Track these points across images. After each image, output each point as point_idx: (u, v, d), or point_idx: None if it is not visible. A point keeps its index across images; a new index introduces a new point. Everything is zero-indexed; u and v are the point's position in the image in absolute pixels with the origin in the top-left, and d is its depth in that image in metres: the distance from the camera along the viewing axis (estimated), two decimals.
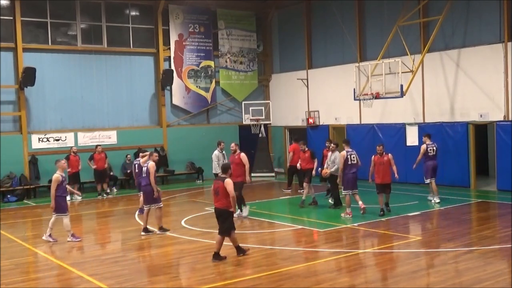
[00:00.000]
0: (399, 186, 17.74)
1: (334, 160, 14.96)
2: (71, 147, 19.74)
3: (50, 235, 12.49)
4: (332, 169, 14.95)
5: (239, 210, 14.34)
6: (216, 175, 16.26)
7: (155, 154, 13.54)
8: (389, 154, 14.31)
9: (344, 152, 14.32)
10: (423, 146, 16.19)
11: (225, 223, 10.35)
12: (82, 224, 14.88)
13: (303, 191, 16.24)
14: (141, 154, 16.20)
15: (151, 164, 12.95)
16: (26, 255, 11.58)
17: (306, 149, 16.52)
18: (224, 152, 16.40)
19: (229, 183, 10.20)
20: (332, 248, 11.08)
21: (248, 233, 12.89)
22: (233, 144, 14.88)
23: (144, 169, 13.12)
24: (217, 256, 10.23)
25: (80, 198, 18.86)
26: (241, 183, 14.10)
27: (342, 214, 14.29)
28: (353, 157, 14.35)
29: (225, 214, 10.35)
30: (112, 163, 20.96)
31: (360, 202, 14.20)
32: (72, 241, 12.36)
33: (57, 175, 12.30)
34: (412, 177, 18.83)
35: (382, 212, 14.06)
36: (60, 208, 12.37)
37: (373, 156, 14.41)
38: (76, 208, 17.88)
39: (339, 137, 22.77)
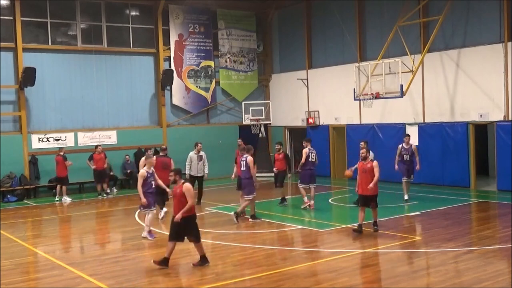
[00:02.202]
0: (399, 186, 17.72)
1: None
2: (60, 148, 19.70)
3: (149, 232, 12.40)
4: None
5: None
6: (191, 176, 16.54)
7: (252, 149, 14.25)
8: (375, 162, 12.21)
9: (306, 150, 15.34)
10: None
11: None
12: (82, 224, 14.88)
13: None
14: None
15: (250, 159, 13.79)
16: (26, 255, 11.58)
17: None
18: (202, 153, 16.62)
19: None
20: (332, 248, 11.08)
21: (248, 233, 12.88)
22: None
23: (243, 162, 13.88)
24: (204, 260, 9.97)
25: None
26: None
27: (302, 207, 15.26)
28: (313, 155, 15.41)
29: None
30: (112, 163, 20.96)
31: (310, 199, 15.23)
32: (147, 238, 12.23)
33: (142, 171, 12.19)
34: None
35: (359, 228, 12.13)
36: (146, 203, 12.18)
37: (358, 162, 12.70)
38: (77, 208, 17.89)
39: (339, 137, 22.83)
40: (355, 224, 12.40)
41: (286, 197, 16.73)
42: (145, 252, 11.50)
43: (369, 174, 12.05)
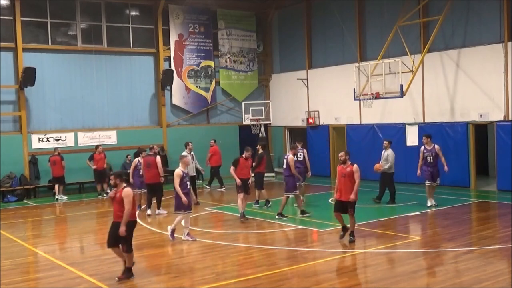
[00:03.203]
0: (399, 186, 17.71)
1: (387, 157, 15.64)
2: (55, 148, 19.74)
3: (188, 234, 12.01)
4: (385, 167, 15.60)
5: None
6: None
7: (296, 147, 14.89)
8: (354, 165, 11.21)
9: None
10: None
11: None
12: (82, 224, 14.88)
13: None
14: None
15: (290, 157, 14.34)
16: (26, 255, 11.58)
17: (249, 156, 14.74)
18: (193, 153, 16.67)
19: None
20: (332, 248, 11.07)
21: (248, 233, 12.88)
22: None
23: (285, 161, 14.44)
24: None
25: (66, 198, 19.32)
26: None
27: (295, 205, 15.39)
28: (300, 155, 15.92)
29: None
30: (112, 163, 20.95)
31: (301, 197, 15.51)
32: (189, 240, 11.87)
33: (178, 171, 11.79)
34: (412, 177, 18.82)
35: (343, 232, 11.46)
36: (178, 205, 11.82)
37: (338, 166, 11.73)
38: (77, 208, 17.89)
39: (339, 137, 22.83)
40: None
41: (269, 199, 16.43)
42: (145, 252, 11.50)
43: (348, 178, 11.16)
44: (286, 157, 14.55)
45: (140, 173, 15.96)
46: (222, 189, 20.08)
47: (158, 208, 15.53)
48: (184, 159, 12.20)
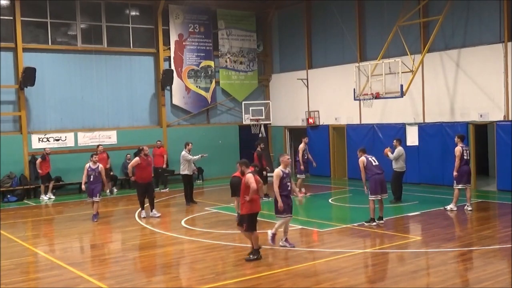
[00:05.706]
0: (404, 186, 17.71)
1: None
2: (44, 148, 19.81)
3: (286, 240, 11.09)
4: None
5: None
6: (186, 175, 16.92)
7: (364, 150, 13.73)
8: (247, 174, 10.18)
9: (302, 145, 18.04)
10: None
11: None
12: (82, 224, 14.88)
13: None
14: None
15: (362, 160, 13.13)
16: (26, 255, 11.58)
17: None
18: (191, 153, 16.82)
19: None
20: (332, 248, 11.08)
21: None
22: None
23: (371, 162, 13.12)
24: None
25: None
26: None
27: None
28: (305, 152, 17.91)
29: None
30: (112, 163, 20.94)
31: (302, 190, 17.38)
32: (286, 247, 10.97)
33: (278, 171, 10.64)
34: (411, 178, 18.83)
35: (254, 256, 10.21)
36: (278, 208, 10.77)
37: None
38: (77, 208, 17.89)
39: (339, 137, 22.83)
40: (353, 224, 12.29)
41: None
42: (145, 252, 11.51)
43: (243, 189, 10.12)
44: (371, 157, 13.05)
45: (91, 179, 15.20)
46: (166, 189, 20.56)
47: (151, 209, 15.28)
48: (283, 159, 10.84)
